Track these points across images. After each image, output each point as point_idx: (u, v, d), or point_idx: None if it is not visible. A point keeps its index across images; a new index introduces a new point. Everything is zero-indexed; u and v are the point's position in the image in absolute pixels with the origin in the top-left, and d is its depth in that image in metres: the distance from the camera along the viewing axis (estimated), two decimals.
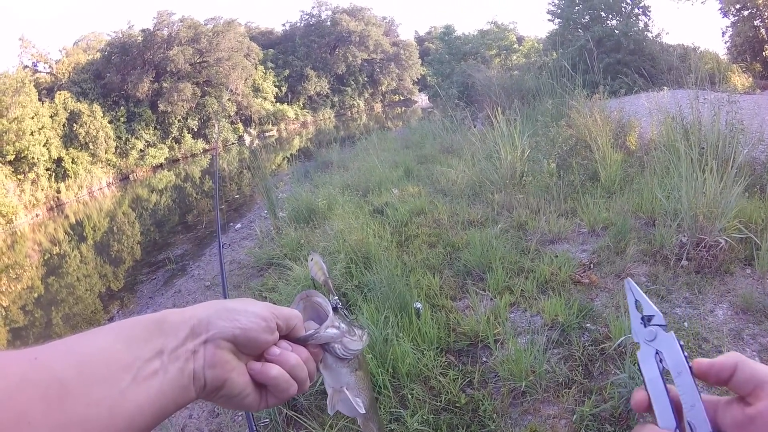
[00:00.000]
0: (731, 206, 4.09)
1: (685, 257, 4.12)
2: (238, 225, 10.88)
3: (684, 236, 4.22)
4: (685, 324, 3.40)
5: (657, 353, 0.58)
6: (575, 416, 2.73)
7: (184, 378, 0.55)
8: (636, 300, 0.63)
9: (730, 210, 4.08)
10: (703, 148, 4.52)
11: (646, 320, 0.61)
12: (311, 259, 1.08)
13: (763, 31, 19.40)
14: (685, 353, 0.57)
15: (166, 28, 38.53)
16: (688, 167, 4.31)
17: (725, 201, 4.08)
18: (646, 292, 2.78)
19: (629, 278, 0.67)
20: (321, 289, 0.90)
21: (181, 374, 0.55)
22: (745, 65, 17.62)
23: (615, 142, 6.89)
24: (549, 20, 20.50)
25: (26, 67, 32.53)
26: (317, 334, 0.69)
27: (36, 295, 12.04)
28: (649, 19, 18.26)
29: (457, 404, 2.94)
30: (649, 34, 17.48)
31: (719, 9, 21.20)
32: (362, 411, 0.77)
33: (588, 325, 3.49)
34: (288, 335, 0.66)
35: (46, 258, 15.87)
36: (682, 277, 3.97)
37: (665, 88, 7.77)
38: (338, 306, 0.77)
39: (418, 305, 3.77)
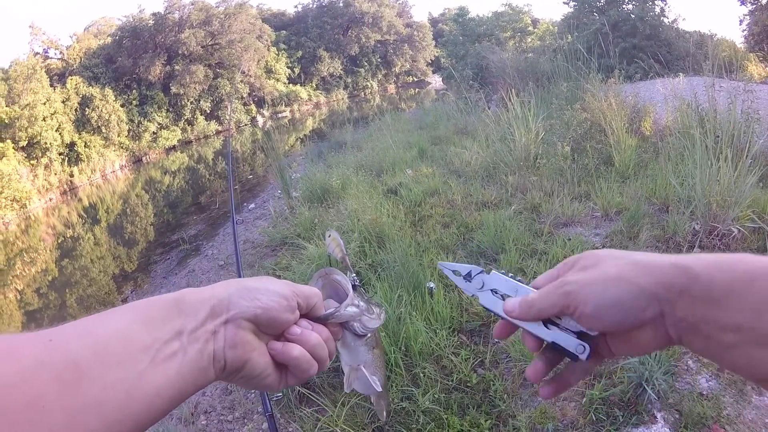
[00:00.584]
0: (745, 196, 4.07)
1: (697, 245, 4.11)
2: (252, 205, 10.93)
3: (697, 224, 4.20)
4: None
5: (493, 292, 0.66)
6: (585, 399, 2.75)
7: (203, 359, 0.54)
8: (453, 271, 0.72)
9: (744, 199, 4.06)
10: (718, 136, 4.48)
11: (468, 277, 0.70)
12: (329, 236, 1.09)
13: None
14: (514, 275, 0.66)
15: (177, 12, 38.41)
16: (702, 154, 4.29)
17: (739, 190, 4.06)
18: None
19: (440, 262, 0.78)
20: (338, 266, 0.89)
21: (200, 355, 0.53)
22: (762, 54, 17.32)
23: (630, 127, 6.85)
24: (564, 3, 20.28)
25: (37, 54, 32.59)
26: (338, 313, 0.68)
27: (50, 277, 12.18)
28: (665, 4, 18.00)
29: (468, 384, 2.97)
30: (666, 20, 17.25)
31: None
32: (379, 389, 0.77)
33: None
34: (308, 314, 0.65)
35: (59, 241, 16.02)
36: None
37: (681, 74, 7.69)
38: (356, 284, 0.76)
39: (432, 285, 3.80)
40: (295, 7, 56.38)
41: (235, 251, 2.72)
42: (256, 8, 45.94)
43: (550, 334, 0.58)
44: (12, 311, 10.10)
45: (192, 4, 38.81)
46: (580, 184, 5.84)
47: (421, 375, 3.05)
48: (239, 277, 2.45)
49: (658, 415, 2.60)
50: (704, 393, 2.70)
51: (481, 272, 0.68)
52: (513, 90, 8.03)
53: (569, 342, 0.57)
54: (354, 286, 0.73)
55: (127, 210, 18.26)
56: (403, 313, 3.42)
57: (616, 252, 0.57)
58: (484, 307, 0.67)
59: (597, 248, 4.33)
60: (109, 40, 36.86)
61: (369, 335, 0.74)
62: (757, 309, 0.46)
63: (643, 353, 0.59)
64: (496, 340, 3.36)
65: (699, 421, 2.50)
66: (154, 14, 37.85)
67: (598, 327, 0.55)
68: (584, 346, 0.56)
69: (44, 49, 34.03)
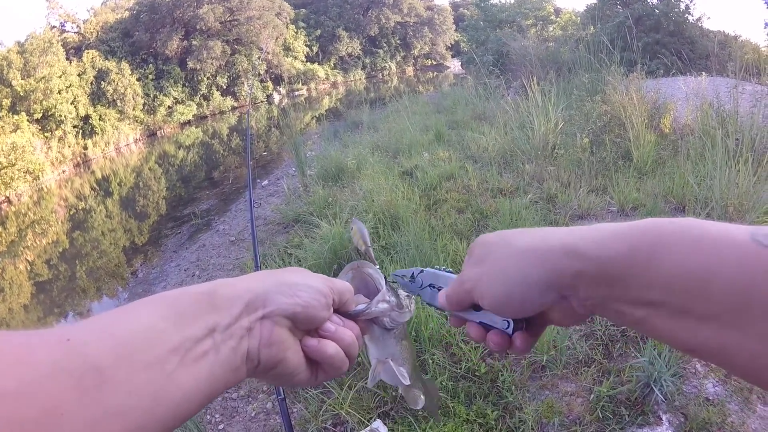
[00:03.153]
0: (763, 201, 4.03)
1: None
2: (265, 182, 10.94)
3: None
4: None
5: (431, 287, 0.73)
6: (592, 396, 2.74)
7: (236, 358, 0.51)
8: (402, 276, 0.78)
9: (762, 205, 4.02)
10: (739, 138, 4.42)
11: (413, 279, 0.76)
12: (352, 228, 1.08)
13: None
14: (445, 268, 0.74)
15: None
16: (722, 156, 4.23)
17: (757, 195, 4.01)
18: None
19: (393, 272, 0.81)
20: (362, 257, 0.88)
21: (233, 354, 0.50)
22: None
23: (649, 122, 6.77)
24: None
25: (53, 27, 32.62)
26: (369, 309, 0.67)
27: (61, 249, 12.26)
28: (691, 2, 17.72)
29: (476, 373, 2.97)
30: (690, 17, 16.95)
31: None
32: (406, 382, 0.76)
33: None
34: (339, 308, 0.64)
35: (71, 213, 16.11)
36: None
37: (704, 73, 7.58)
38: (388, 280, 0.75)
39: (444, 270, 3.79)
40: None
41: (251, 228, 2.71)
42: None
43: (477, 316, 0.63)
44: (22, 282, 10.18)
45: None
46: (597, 177, 5.79)
47: (430, 361, 3.05)
48: (256, 262, 2.43)
49: (664, 417, 2.59)
50: (710, 398, 2.68)
51: (420, 272, 0.76)
52: (533, 78, 7.96)
53: (495, 320, 0.61)
54: (386, 281, 0.72)
55: (140, 183, 18.33)
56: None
57: (507, 236, 0.59)
58: (426, 303, 0.73)
59: None
60: (127, 14, 36.79)
61: (397, 329, 0.73)
62: (667, 284, 0.44)
63: (569, 325, 0.60)
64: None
65: (703, 426, 2.48)
66: None
67: (505, 315, 0.59)
68: (508, 322, 0.60)
69: (61, 22, 34.07)
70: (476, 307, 0.62)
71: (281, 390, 1.81)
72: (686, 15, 16.94)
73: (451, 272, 0.72)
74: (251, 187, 3.22)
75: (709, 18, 26.09)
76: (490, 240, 0.60)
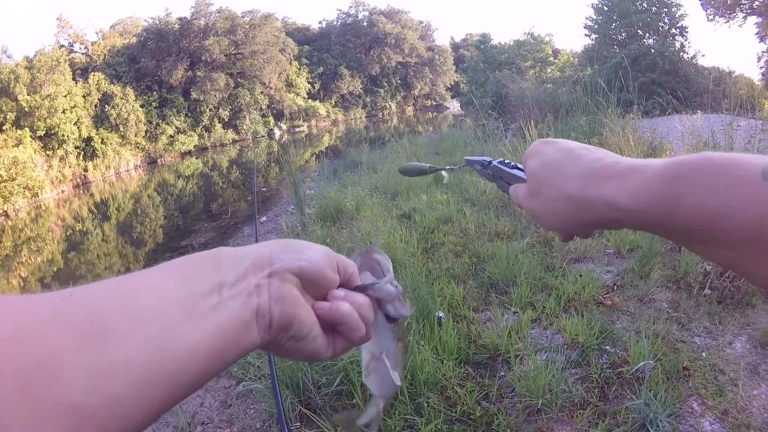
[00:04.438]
0: None
1: (708, 286, 4.10)
2: (264, 218, 10.95)
3: (708, 265, 4.19)
4: (703, 354, 3.38)
5: (501, 179, 0.86)
6: None
7: (246, 313, 0.48)
8: (465, 165, 0.95)
9: None
10: None
11: (483, 167, 0.89)
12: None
13: None
14: (509, 162, 0.85)
15: (203, 18, 39.02)
16: None
17: None
18: (667, 319, 2.76)
19: (466, 157, 0.95)
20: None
21: (243, 309, 0.48)
22: None
23: None
24: (586, 35, 20.42)
25: (62, 46, 33.20)
26: (377, 285, 0.65)
27: (55, 268, 12.23)
28: (686, 40, 18.09)
29: (471, 416, 2.96)
30: (685, 55, 17.33)
31: (756, 34, 20.92)
32: (398, 382, 0.73)
33: (607, 347, 3.49)
34: (343, 283, 0.61)
35: (68, 233, 16.11)
36: (703, 306, 3.94)
37: (699, 111, 7.70)
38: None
39: (441, 314, 3.80)
40: (320, 22, 56.93)
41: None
42: (281, 21, 46.51)
43: None
44: None
45: (218, 12, 39.42)
46: None
47: (425, 404, 3.04)
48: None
49: None
50: None
51: (489, 163, 0.88)
52: (531, 120, 8.06)
53: None
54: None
55: (138, 210, 18.37)
56: (411, 341, 3.41)
57: (555, 171, 0.69)
58: (501, 189, 0.86)
59: (608, 285, 4.34)
60: (134, 40, 37.46)
61: (397, 325, 0.71)
62: (689, 226, 0.53)
63: None
64: (503, 374, 3.35)
65: None
66: (180, 18, 38.44)
67: None
68: None
69: (70, 42, 34.67)
70: None
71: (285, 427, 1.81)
72: (681, 53, 17.28)
73: (516, 168, 0.82)
74: (257, 223, 3.26)
75: (703, 55, 26.52)
76: (539, 173, 0.71)
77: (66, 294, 0.39)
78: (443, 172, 1.20)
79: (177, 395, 0.42)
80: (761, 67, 20.98)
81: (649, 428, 2.65)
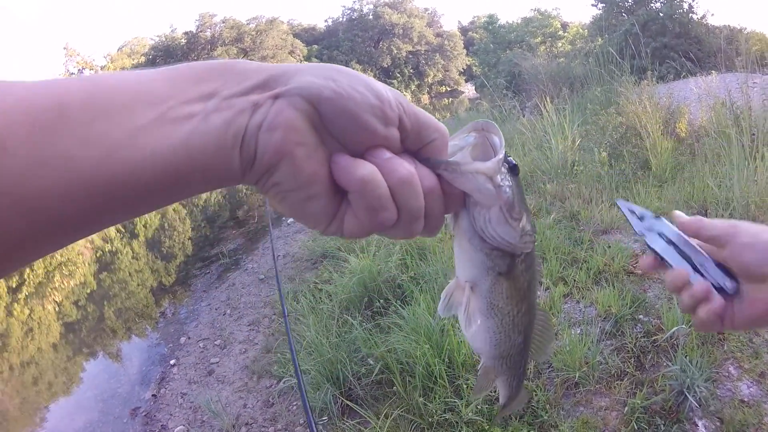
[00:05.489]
0: None
1: None
2: (291, 219, 11.01)
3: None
4: None
5: (660, 235, 0.75)
6: (626, 408, 2.76)
7: (227, 135, 0.39)
8: (630, 210, 0.79)
9: None
10: (754, 134, 4.43)
11: (641, 219, 0.78)
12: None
13: None
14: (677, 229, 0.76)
15: (209, 30, 39.29)
16: (739, 154, 4.25)
17: None
18: None
19: (619, 198, 0.83)
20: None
21: (224, 127, 0.39)
22: None
23: (665, 129, 6.77)
24: (593, 5, 20.11)
25: (72, 74, 33.59)
26: (463, 166, 0.46)
27: (88, 290, 12.42)
28: (693, 0, 17.70)
29: None
30: (695, 16, 16.95)
31: None
32: (468, 335, 0.57)
33: (641, 316, 3.50)
34: (418, 151, 0.47)
35: (98, 255, 16.35)
36: None
37: (713, 72, 7.58)
38: (517, 168, 0.51)
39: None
40: (326, 21, 56.81)
41: (276, 281, 2.81)
42: (287, 24, 46.64)
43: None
44: (51, 322, 10.36)
45: (223, 22, 39.64)
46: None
47: (464, 386, 3.09)
48: (278, 289, 2.42)
49: (700, 423, 2.60)
50: (745, 400, 2.69)
51: (652, 217, 0.78)
52: (547, 96, 8.02)
53: (717, 274, 0.70)
54: (513, 166, 0.50)
55: (165, 225, 18.58)
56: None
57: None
58: (648, 246, 0.76)
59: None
60: (143, 59, 37.86)
61: (494, 250, 0.50)
62: None
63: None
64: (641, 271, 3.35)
65: (740, 428, 2.50)
66: (186, 33, 38.78)
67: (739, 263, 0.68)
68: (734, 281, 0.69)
69: (79, 69, 35.14)
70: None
71: (312, 420, 1.85)
72: (690, 14, 16.94)
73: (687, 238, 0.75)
74: (272, 236, 3.33)
75: (713, 14, 25.89)
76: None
77: (45, 83, 0.37)
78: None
79: (116, 208, 0.38)
80: None
81: (687, 394, 2.66)
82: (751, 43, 10.72)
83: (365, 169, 0.42)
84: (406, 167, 0.43)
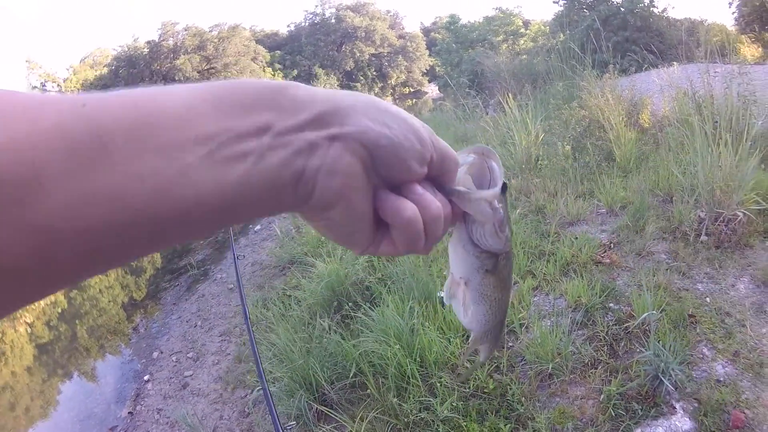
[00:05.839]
0: (748, 179, 4.07)
1: (704, 232, 4.12)
2: (258, 227, 10.96)
3: (702, 211, 4.21)
4: (707, 299, 3.40)
5: None
6: (602, 396, 2.76)
7: (284, 175, 0.38)
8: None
9: (747, 183, 4.06)
10: (717, 121, 4.49)
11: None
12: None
13: None
14: None
15: (171, 38, 38.85)
16: (702, 141, 4.30)
17: (741, 174, 4.06)
18: (667, 270, 2.79)
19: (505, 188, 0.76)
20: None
21: (282, 168, 0.38)
22: (754, 35, 17.38)
23: (628, 120, 6.86)
24: (554, 2, 20.38)
25: (35, 87, 33.03)
26: (471, 195, 0.53)
27: (59, 309, 12.18)
28: None
29: (485, 390, 2.97)
30: (655, 10, 17.29)
31: None
32: (464, 320, 0.66)
33: (611, 304, 3.51)
34: (434, 175, 0.49)
35: None
36: (702, 252, 3.96)
37: (675, 63, 7.71)
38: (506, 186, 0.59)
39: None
40: (288, 26, 56.81)
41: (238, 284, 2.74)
42: (249, 30, 46.30)
43: None
44: (23, 344, 10.12)
45: (185, 30, 39.23)
46: (582, 182, 5.84)
47: (438, 384, 3.05)
48: (242, 300, 2.38)
49: (677, 406, 2.61)
50: (721, 379, 2.71)
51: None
52: (509, 93, 8.06)
53: None
54: (503, 185, 0.57)
55: None
56: (416, 324, 3.42)
57: None
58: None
59: (605, 244, 4.36)
60: (106, 70, 37.34)
61: (485, 254, 0.60)
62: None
63: None
64: (511, 344, 3.36)
65: (718, 407, 2.51)
66: (148, 42, 38.28)
67: None
68: None
69: (42, 82, 34.52)
70: None
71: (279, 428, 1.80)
72: (651, 8, 17.26)
73: None
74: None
75: (674, 8, 26.53)
76: None
77: (78, 102, 0.34)
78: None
79: (159, 244, 0.37)
80: (733, 13, 20.97)
81: (662, 378, 2.67)
82: (711, 34, 10.96)
83: (411, 210, 0.45)
84: (437, 204, 0.47)
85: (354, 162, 0.41)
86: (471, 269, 0.61)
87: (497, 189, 0.54)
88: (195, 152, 0.35)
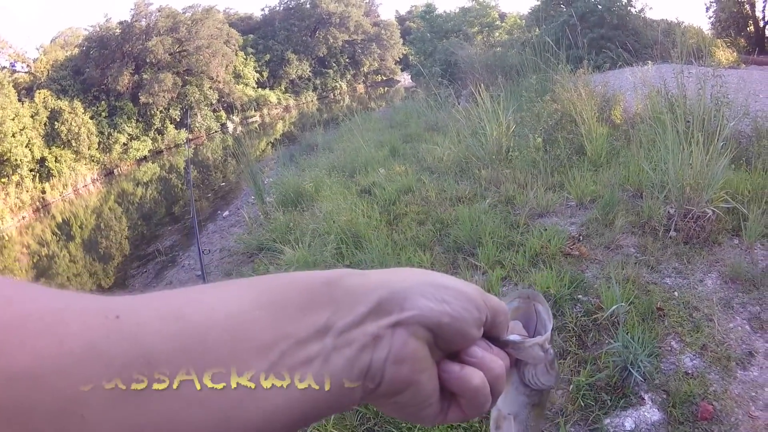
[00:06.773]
0: (718, 178, 4.14)
1: (673, 228, 4.17)
2: (226, 213, 10.84)
3: (671, 208, 4.27)
4: (676, 293, 3.45)
5: None
6: (572, 386, 2.77)
7: (352, 373, 0.36)
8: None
9: (717, 181, 4.13)
10: (689, 121, 4.55)
11: None
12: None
13: (747, 6, 19.49)
14: None
15: (144, 19, 37.92)
16: (674, 139, 4.35)
17: (711, 173, 4.13)
18: (635, 263, 2.81)
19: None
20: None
21: (349, 367, 0.36)
22: (729, 40, 17.74)
23: (600, 116, 6.93)
24: None
25: (4, 68, 31.89)
26: (525, 343, 0.54)
27: None
28: None
29: None
30: (633, 9, 17.49)
31: None
32: None
33: (580, 296, 3.53)
34: (488, 331, 0.48)
35: (35, 260, 15.73)
36: (671, 247, 4.01)
37: (649, 62, 7.80)
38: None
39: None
40: (262, 10, 55.87)
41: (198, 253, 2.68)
42: (222, 13, 45.54)
43: None
44: None
45: (159, 11, 38.36)
46: (553, 174, 5.88)
47: None
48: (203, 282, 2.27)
49: (646, 397, 2.63)
50: (689, 372, 2.75)
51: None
52: (482, 84, 8.06)
53: None
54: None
55: (101, 224, 17.99)
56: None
57: None
58: None
59: (574, 237, 4.38)
60: (77, 51, 36.29)
61: (533, 392, 0.61)
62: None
63: None
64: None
65: (687, 399, 2.55)
66: (120, 23, 37.30)
67: None
68: None
69: (11, 63, 33.39)
70: None
71: None
72: (629, 8, 17.45)
73: None
74: (200, 252, 3.19)
75: (651, 8, 26.89)
76: None
77: (110, 314, 0.30)
78: None
79: None
80: (710, 17, 21.35)
81: (631, 370, 2.69)
82: (687, 36, 11.12)
83: (478, 377, 0.43)
84: (499, 363, 0.46)
85: (420, 346, 0.40)
86: (520, 406, 0.62)
87: (548, 334, 0.57)
88: (257, 366, 0.32)
